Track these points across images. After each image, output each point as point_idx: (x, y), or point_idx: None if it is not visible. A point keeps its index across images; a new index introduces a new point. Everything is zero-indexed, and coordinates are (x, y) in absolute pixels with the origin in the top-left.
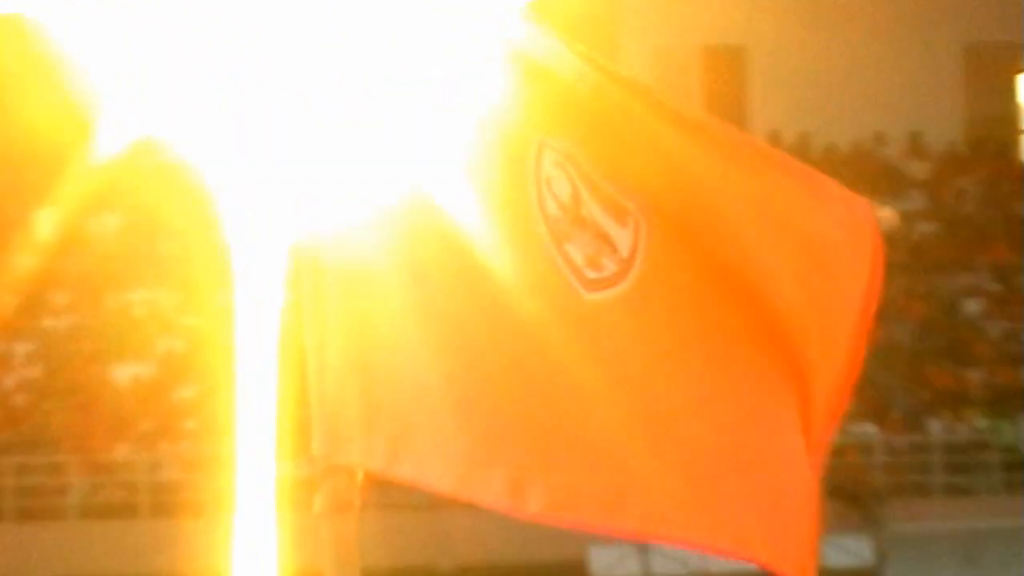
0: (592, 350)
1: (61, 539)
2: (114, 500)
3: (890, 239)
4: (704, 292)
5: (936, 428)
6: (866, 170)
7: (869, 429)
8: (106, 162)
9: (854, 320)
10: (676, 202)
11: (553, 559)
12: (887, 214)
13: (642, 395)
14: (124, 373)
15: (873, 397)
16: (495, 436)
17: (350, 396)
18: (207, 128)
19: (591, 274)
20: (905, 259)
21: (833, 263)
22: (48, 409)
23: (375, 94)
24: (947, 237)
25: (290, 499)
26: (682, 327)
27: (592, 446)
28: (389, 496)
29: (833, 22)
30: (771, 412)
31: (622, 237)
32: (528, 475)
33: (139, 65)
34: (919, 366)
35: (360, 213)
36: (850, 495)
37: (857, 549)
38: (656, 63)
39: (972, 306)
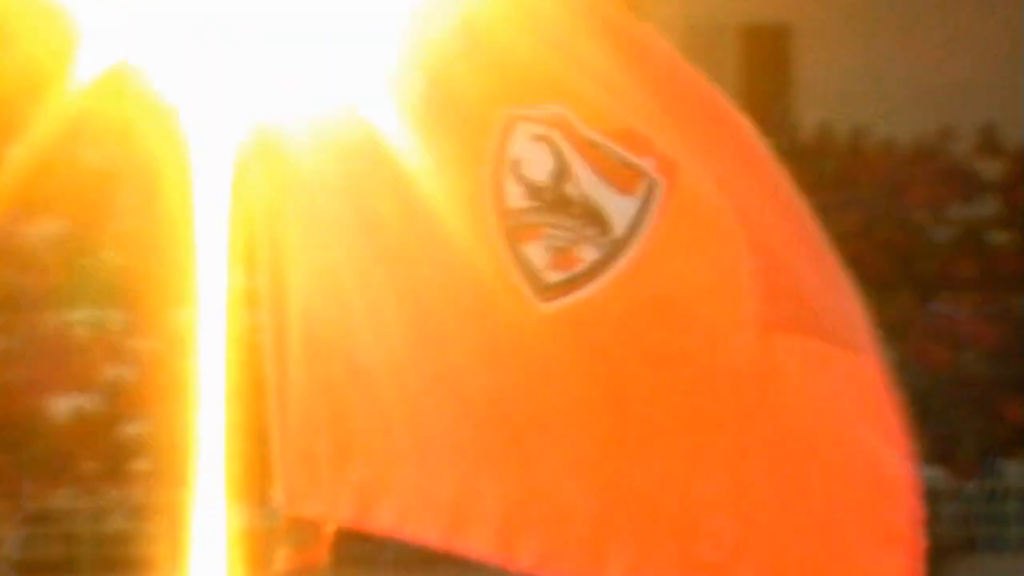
0: (545, 373)
1: None
2: (51, 554)
3: (959, 249)
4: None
5: (1013, 472)
6: (930, 170)
7: (933, 473)
8: (42, 157)
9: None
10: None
11: None
12: None
13: (615, 428)
14: (63, 406)
15: (938, 436)
16: (479, 476)
17: (317, 433)
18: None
19: (553, 277)
20: (975, 274)
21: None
22: None
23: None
24: None
25: (249, 554)
26: (686, 312)
27: (571, 490)
28: (366, 551)
29: None
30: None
31: (622, 210)
32: (517, 522)
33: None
34: (992, 399)
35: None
36: None
37: None
38: (687, 42)
39: None
